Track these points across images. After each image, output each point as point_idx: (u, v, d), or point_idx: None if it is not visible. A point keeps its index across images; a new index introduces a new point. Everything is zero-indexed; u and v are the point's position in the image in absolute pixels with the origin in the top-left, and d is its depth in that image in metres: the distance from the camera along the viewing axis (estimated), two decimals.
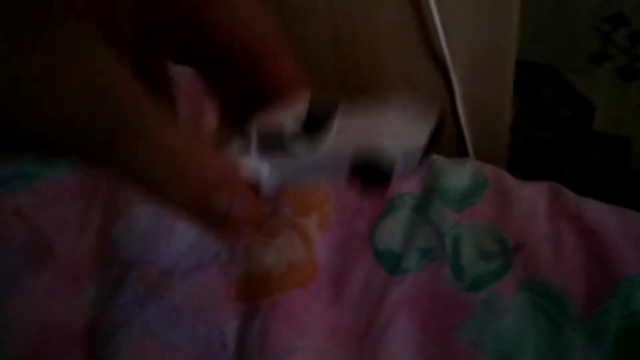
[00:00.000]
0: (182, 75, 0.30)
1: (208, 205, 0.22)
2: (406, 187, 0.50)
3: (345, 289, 0.45)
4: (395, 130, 0.25)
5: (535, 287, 0.43)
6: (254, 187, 0.25)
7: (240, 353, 0.43)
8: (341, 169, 0.25)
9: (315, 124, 0.25)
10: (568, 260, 0.44)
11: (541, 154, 1.10)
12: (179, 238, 0.48)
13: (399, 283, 0.45)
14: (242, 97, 0.27)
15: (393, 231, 0.48)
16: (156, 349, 0.43)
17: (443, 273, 0.45)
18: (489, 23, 0.62)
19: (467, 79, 0.67)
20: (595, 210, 0.46)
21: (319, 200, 0.50)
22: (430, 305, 0.44)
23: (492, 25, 0.62)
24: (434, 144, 0.25)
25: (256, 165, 0.26)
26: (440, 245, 0.46)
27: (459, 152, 0.71)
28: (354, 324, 0.43)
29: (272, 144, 0.25)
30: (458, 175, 0.50)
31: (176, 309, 0.45)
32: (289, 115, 0.25)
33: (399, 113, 0.26)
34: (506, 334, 0.41)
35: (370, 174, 0.25)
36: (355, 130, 0.25)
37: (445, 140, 0.70)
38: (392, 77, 0.70)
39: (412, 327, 0.43)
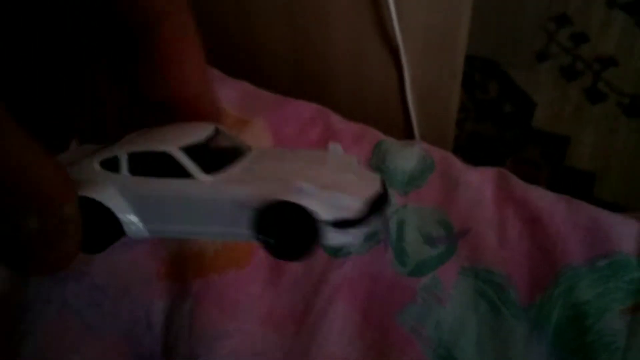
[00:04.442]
0: None
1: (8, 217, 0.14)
2: None
3: (283, 271, 0.43)
4: (326, 180, 0.17)
5: (477, 274, 0.42)
6: (102, 217, 0.17)
7: (167, 334, 0.40)
8: (241, 221, 0.17)
9: (217, 156, 0.18)
10: (512, 247, 0.43)
11: (483, 148, 1.11)
12: None
13: (340, 266, 0.42)
14: (134, 103, 0.21)
15: None
16: (76, 328, 0.40)
17: (386, 257, 0.43)
18: (442, 8, 0.61)
19: (417, 63, 0.66)
20: (542, 198, 0.45)
21: None
22: (371, 289, 0.42)
23: (446, 11, 0.62)
24: (375, 213, 0.18)
25: (116, 193, 0.18)
26: (385, 229, 0.44)
27: (406, 136, 0.70)
28: (292, 308, 0.41)
29: (149, 167, 0.18)
30: (405, 156, 0.48)
31: (99, 287, 0.41)
32: (184, 135, 0.18)
33: (332, 165, 0.19)
34: (447, 321, 0.40)
35: (281, 235, 0.17)
36: (270, 172, 0.18)
37: (392, 124, 0.70)
38: (343, 57, 0.69)
39: (352, 311, 0.41)
